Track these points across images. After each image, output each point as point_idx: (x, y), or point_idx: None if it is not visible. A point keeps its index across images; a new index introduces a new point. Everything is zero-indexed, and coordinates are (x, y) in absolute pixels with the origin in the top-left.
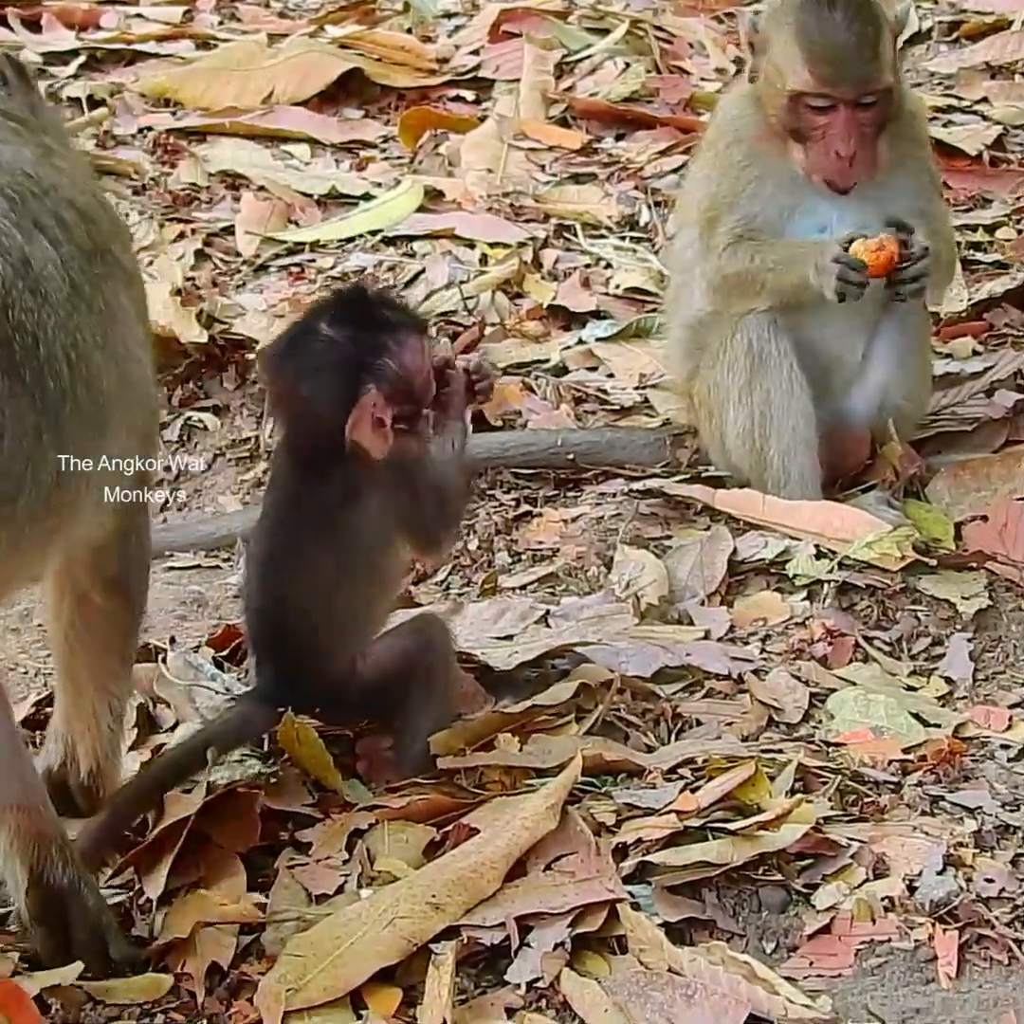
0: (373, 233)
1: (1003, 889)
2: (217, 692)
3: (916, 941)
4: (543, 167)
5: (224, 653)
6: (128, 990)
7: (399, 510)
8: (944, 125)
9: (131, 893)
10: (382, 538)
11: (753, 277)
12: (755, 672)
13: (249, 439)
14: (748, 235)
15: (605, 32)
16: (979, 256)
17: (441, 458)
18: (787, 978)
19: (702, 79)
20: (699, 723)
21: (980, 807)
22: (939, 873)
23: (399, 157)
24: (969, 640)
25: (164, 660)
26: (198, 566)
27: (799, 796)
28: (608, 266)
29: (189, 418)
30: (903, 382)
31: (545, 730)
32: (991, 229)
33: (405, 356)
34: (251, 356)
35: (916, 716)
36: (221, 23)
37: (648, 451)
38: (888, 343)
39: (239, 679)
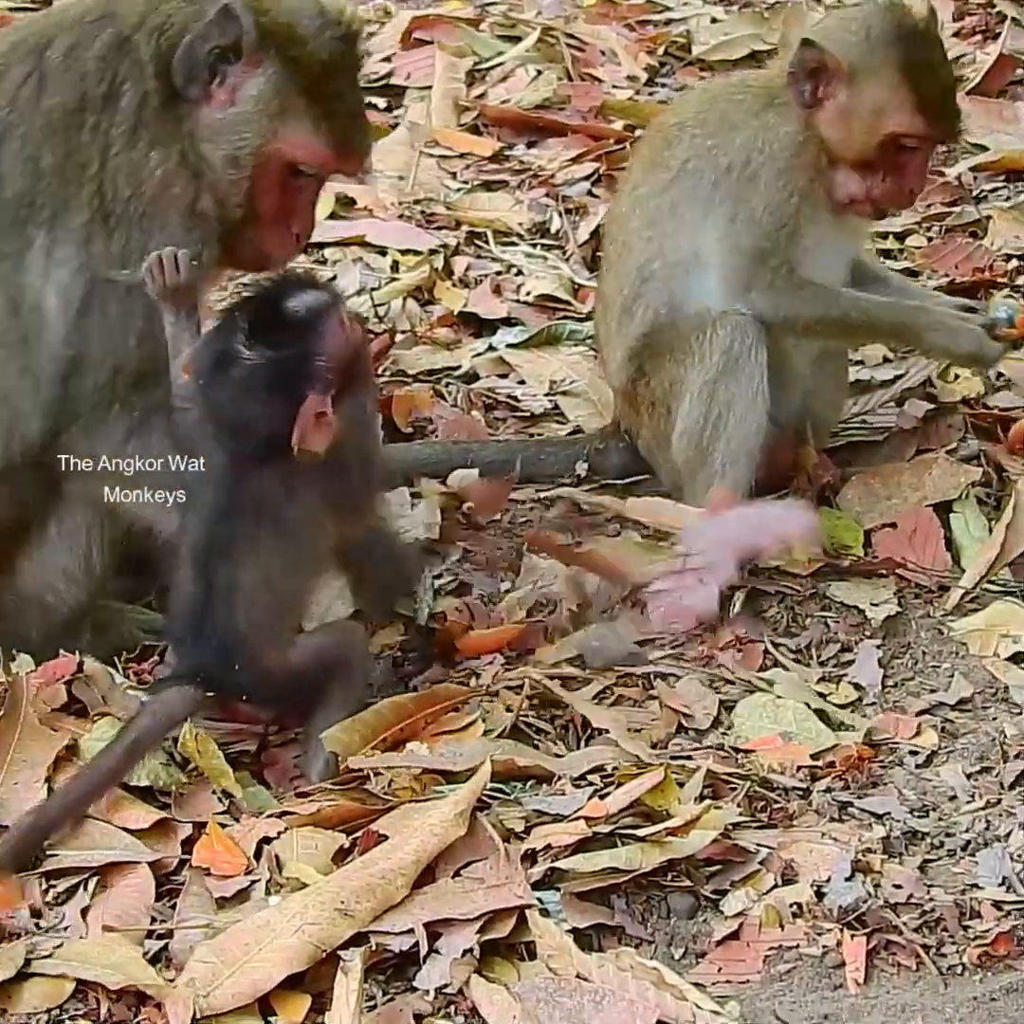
0: None
1: (911, 895)
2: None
3: (824, 947)
4: (454, 174)
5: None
6: (31, 996)
7: (331, 489)
8: None
9: (41, 888)
10: (318, 525)
11: (829, 324)
12: (664, 678)
13: None
14: (820, 279)
15: (517, 40)
16: (890, 263)
17: (361, 426)
18: (695, 984)
19: (613, 87)
20: (608, 730)
21: (888, 813)
22: (847, 879)
23: None
24: (878, 647)
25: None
26: None
27: (708, 802)
28: (519, 273)
29: None
30: (823, 388)
31: (452, 731)
32: (901, 237)
33: (329, 343)
34: None
35: (825, 722)
36: None
37: (559, 466)
38: (812, 349)
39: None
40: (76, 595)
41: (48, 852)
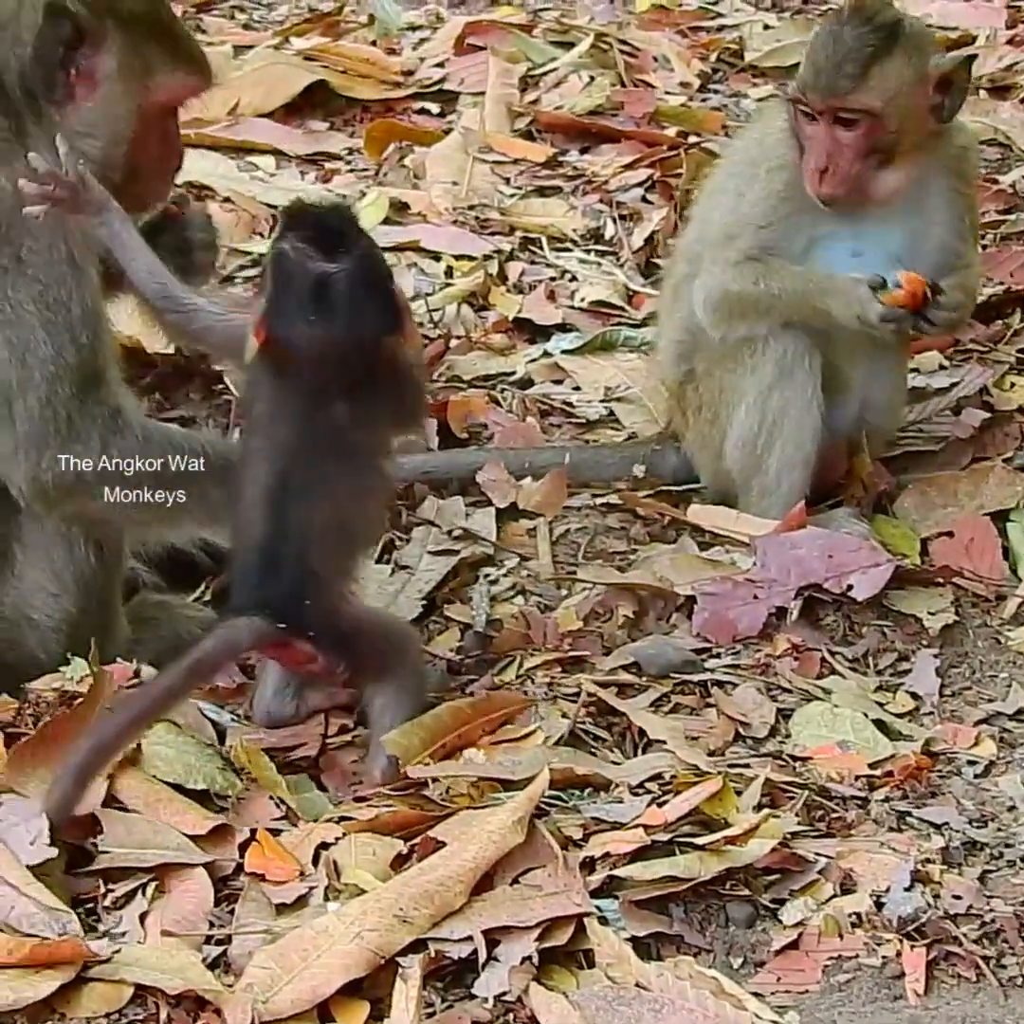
0: None
1: (970, 906)
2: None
3: (884, 957)
4: (508, 180)
5: None
6: (90, 1001)
7: (394, 412)
8: None
9: (99, 891)
10: (385, 451)
11: (758, 300)
12: (721, 686)
13: None
14: (762, 257)
15: (570, 46)
16: None
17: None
18: (754, 993)
19: (666, 93)
20: (665, 739)
21: (947, 823)
22: (906, 889)
23: (364, 169)
24: (935, 656)
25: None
26: None
27: (766, 811)
28: (573, 279)
29: None
30: (880, 397)
31: (511, 740)
32: None
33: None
34: (217, 367)
35: (883, 731)
36: None
37: (613, 469)
38: (869, 358)
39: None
40: (64, 607)
41: (101, 849)
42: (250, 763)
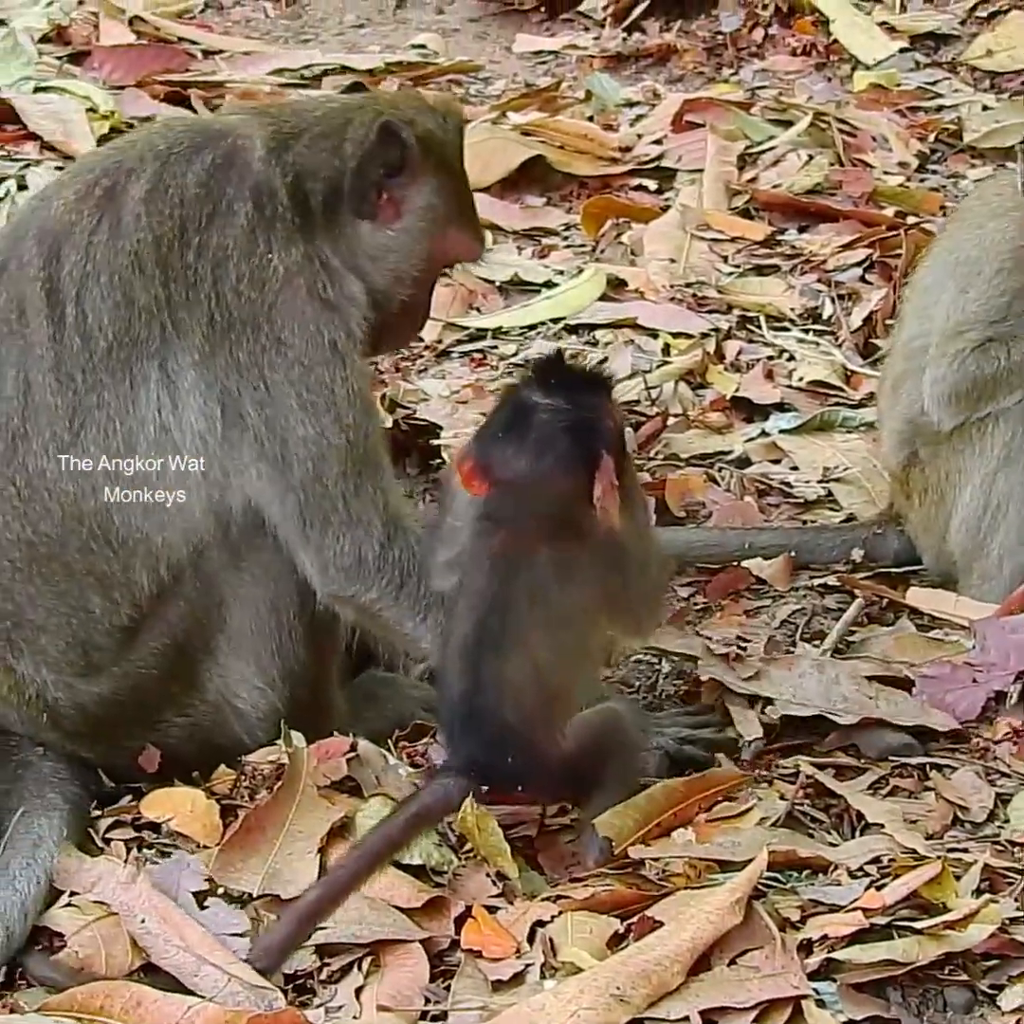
0: (555, 321)
1: None
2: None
3: None
4: (726, 258)
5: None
6: None
7: (607, 586)
8: None
9: (315, 966)
10: (593, 614)
11: (1009, 373)
12: (940, 770)
13: None
14: (996, 336)
15: (788, 124)
16: None
17: (637, 528)
18: None
19: (885, 173)
20: (883, 823)
21: None
22: None
23: (581, 245)
24: None
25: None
26: None
27: (986, 896)
28: (791, 358)
29: None
30: None
31: (726, 818)
32: None
33: (615, 415)
34: (434, 441)
35: None
36: None
37: (835, 552)
38: None
39: (415, 765)
40: (271, 701)
41: (318, 925)
42: (478, 828)
